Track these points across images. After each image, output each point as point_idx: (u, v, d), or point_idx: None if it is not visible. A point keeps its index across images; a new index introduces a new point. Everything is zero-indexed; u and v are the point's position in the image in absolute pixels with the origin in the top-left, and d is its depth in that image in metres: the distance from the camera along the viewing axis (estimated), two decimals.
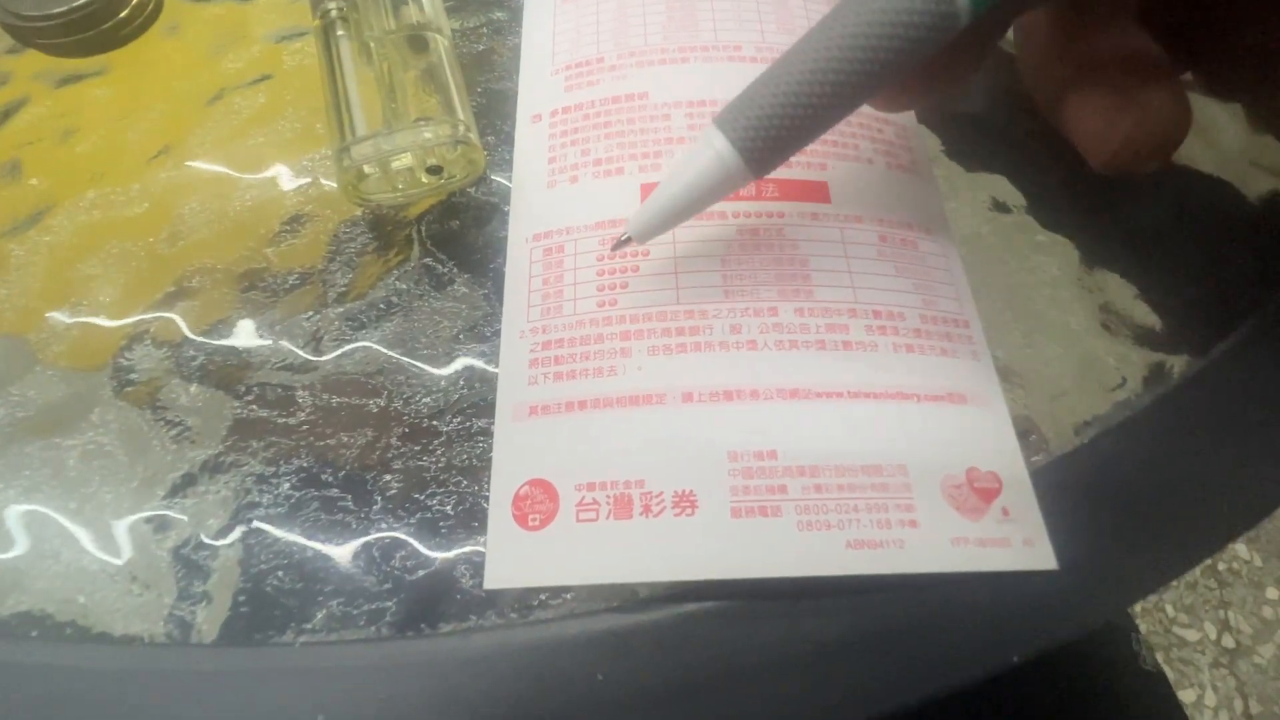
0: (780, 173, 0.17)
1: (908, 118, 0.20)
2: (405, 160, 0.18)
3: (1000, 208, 0.19)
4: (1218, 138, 0.20)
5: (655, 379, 0.15)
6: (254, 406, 0.16)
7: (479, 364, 0.16)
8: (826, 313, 0.16)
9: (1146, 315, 0.17)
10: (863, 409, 0.15)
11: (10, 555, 0.14)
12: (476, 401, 0.16)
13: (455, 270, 0.18)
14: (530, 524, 0.14)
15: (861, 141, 0.18)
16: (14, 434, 0.16)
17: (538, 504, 0.14)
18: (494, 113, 0.20)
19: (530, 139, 0.19)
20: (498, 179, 0.19)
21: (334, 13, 0.19)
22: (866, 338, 0.15)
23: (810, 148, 0.17)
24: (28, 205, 0.18)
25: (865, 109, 0.19)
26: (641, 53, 0.19)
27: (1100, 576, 0.14)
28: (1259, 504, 0.15)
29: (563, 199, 0.18)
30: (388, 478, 0.15)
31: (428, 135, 0.17)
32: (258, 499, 0.15)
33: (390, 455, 0.15)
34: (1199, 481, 0.15)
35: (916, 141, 0.19)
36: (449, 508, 0.15)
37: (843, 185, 0.17)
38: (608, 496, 0.14)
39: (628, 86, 0.19)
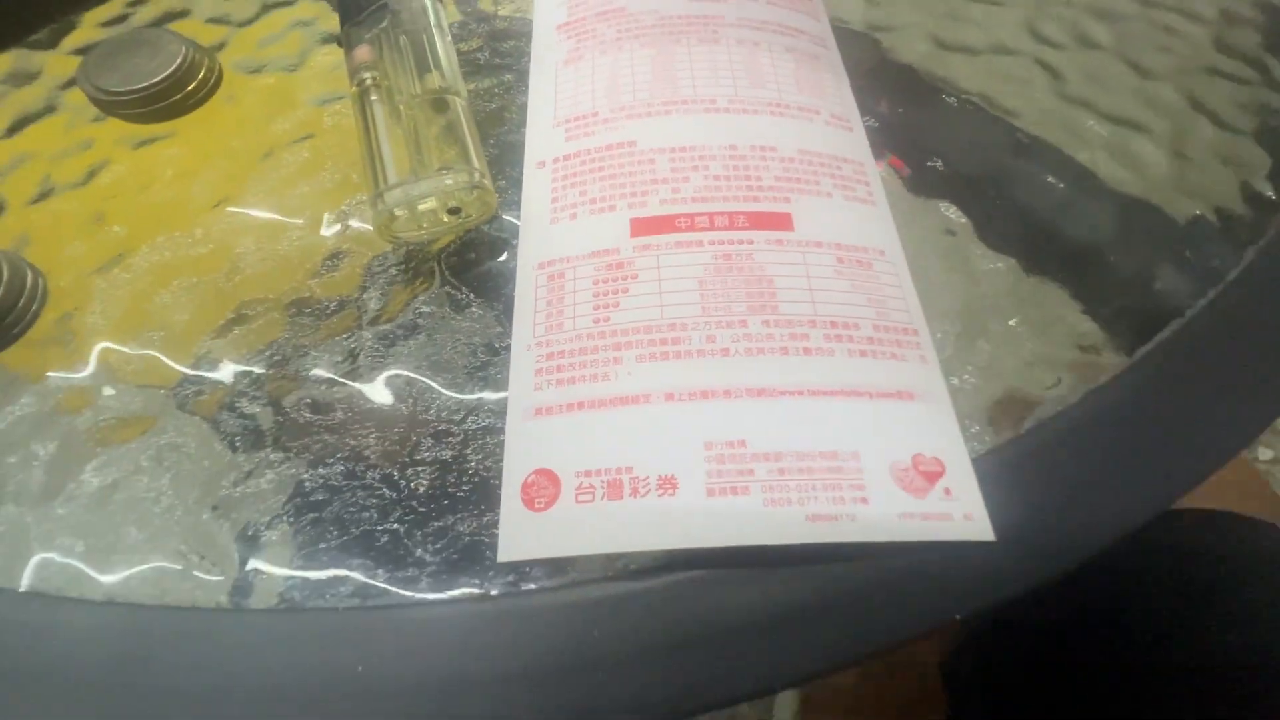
0: (749, 205, 0.19)
1: (865, 157, 0.21)
2: (430, 203, 0.19)
3: (949, 231, 0.21)
4: (1144, 166, 0.22)
5: (642, 382, 0.16)
6: (302, 413, 0.18)
7: (492, 374, 0.18)
8: (790, 324, 0.17)
9: (1080, 322, 0.19)
10: (821, 405, 0.16)
11: (101, 539, 0.16)
12: (490, 405, 0.18)
13: (471, 296, 0.20)
14: (536, 506, 0.15)
15: (822, 178, 0.20)
16: (101, 437, 0.17)
17: (543, 489, 0.15)
18: (505, 161, 0.22)
19: (536, 183, 0.21)
20: (508, 217, 0.21)
21: (368, 80, 0.21)
22: (825, 345, 0.17)
23: (776, 184, 0.19)
24: (111, 249, 0.20)
25: (828, 151, 0.20)
26: (630, 107, 0.22)
27: (1033, 545, 0.15)
28: (1170, 485, 0.16)
29: (564, 233, 0.19)
30: (416, 469, 0.17)
31: (449, 182, 0.19)
32: (306, 489, 0.17)
33: (417, 451, 0.17)
34: (1121, 464, 0.16)
35: (873, 177, 0.21)
36: (468, 493, 0.16)
37: (805, 215, 0.19)
38: (602, 481, 0.15)
39: (619, 136, 0.21)
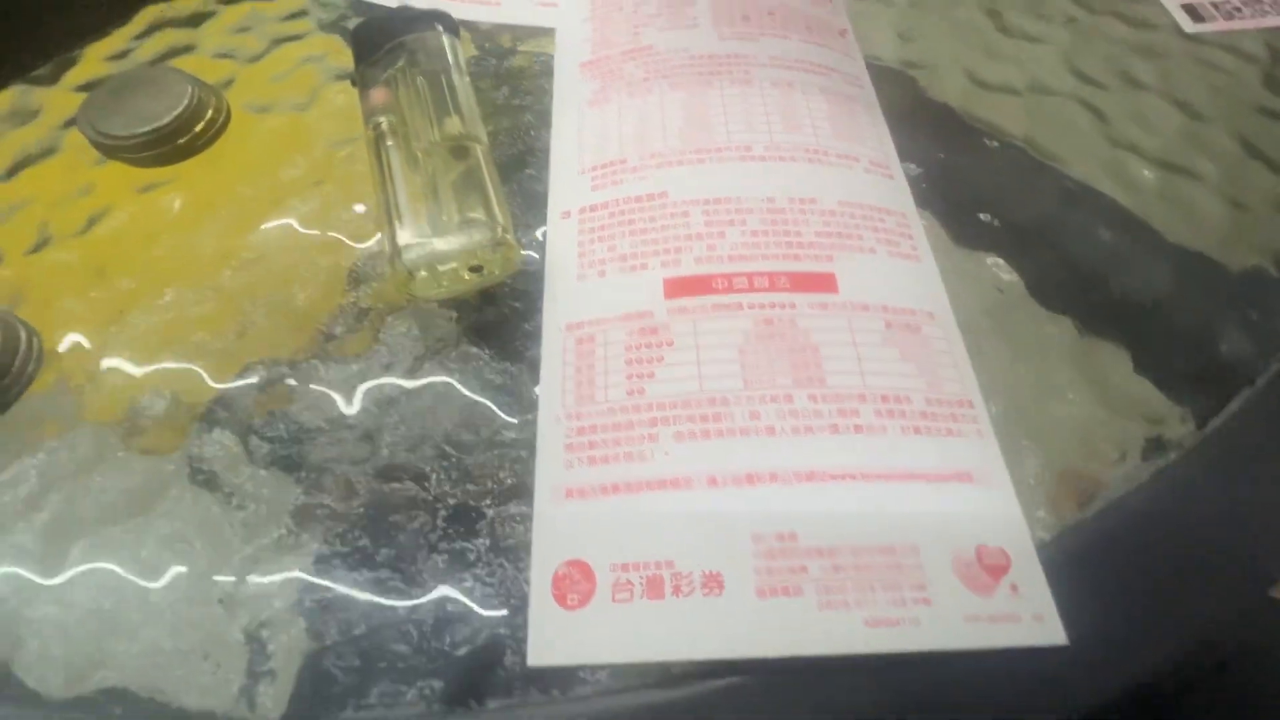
0: (790, 265, 0.17)
1: (908, 207, 0.20)
2: (451, 262, 0.18)
3: (998, 288, 0.19)
4: (1199, 215, 0.21)
5: (682, 464, 0.15)
6: (312, 491, 0.16)
7: (517, 449, 0.17)
8: (838, 398, 0.16)
9: (1142, 389, 0.18)
10: (875, 490, 0.15)
11: (96, 632, 0.15)
12: (515, 483, 0.16)
13: (492, 357, 0.18)
14: (569, 603, 0.14)
15: (865, 232, 0.19)
16: (100, 516, 0.16)
17: (576, 584, 0.14)
18: (526, 208, 0.21)
19: (561, 234, 0.20)
20: (530, 270, 0.19)
21: (384, 125, 0.20)
22: (876, 421, 0.16)
23: (817, 240, 0.18)
24: (112, 305, 0.19)
25: (870, 201, 0.19)
26: (661, 155, 0.20)
27: (1110, 650, 0.14)
28: (1260, 575, 0.15)
29: (592, 291, 0.18)
30: (435, 557, 0.15)
31: (471, 241, 0.18)
32: (315, 578, 0.15)
33: (436, 536, 0.16)
34: (1204, 551, 0.15)
35: (916, 230, 0.19)
36: (492, 586, 0.15)
37: (849, 275, 0.18)
38: (641, 577, 0.14)
39: (649, 186, 0.20)
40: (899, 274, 0.18)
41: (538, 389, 0.17)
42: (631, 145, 0.21)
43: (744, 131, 0.21)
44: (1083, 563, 0.15)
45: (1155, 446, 0.17)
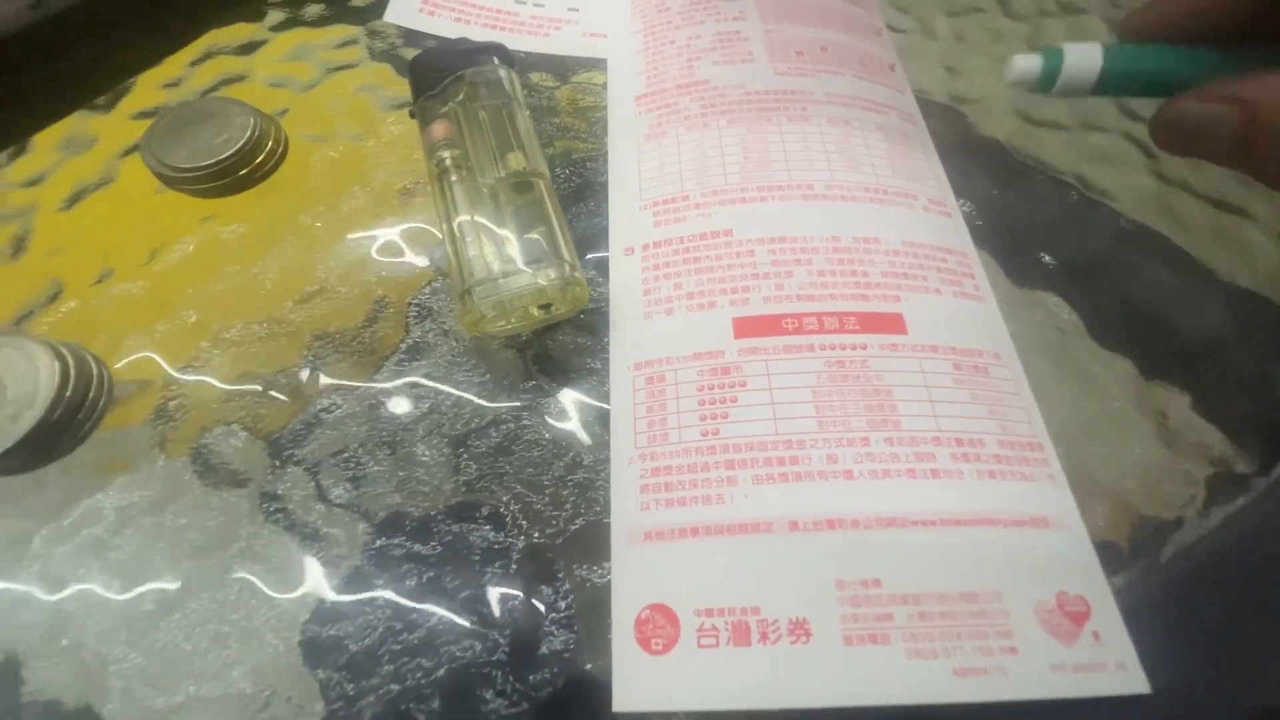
0: (859, 305, 0.17)
1: (967, 246, 0.20)
2: (521, 301, 0.18)
3: (1059, 329, 0.19)
4: (1253, 253, 0.21)
5: (762, 508, 0.15)
6: (386, 530, 0.16)
7: (591, 489, 0.17)
8: (914, 441, 0.16)
9: (1207, 432, 0.18)
10: (955, 536, 0.15)
11: (174, 667, 0.15)
12: (590, 524, 0.16)
13: (562, 396, 0.18)
14: (654, 648, 0.14)
15: (929, 272, 0.19)
16: (174, 553, 0.16)
17: (659, 629, 0.14)
18: (588, 243, 0.21)
19: (624, 270, 0.20)
20: (594, 306, 0.19)
21: (447, 160, 0.20)
22: (952, 465, 0.16)
23: (883, 280, 0.18)
24: (182, 338, 0.19)
25: (932, 241, 0.19)
26: (723, 191, 0.20)
27: (1193, 698, 0.14)
28: None
29: (660, 330, 0.18)
30: (514, 602, 0.15)
31: (540, 280, 0.18)
32: (392, 620, 0.15)
33: (515, 577, 0.16)
34: (1278, 597, 0.16)
35: (978, 269, 0.20)
36: (574, 629, 0.15)
37: (917, 316, 0.18)
38: (726, 623, 0.14)
39: (713, 224, 0.20)
40: (964, 314, 0.18)
41: (609, 427, 0.17)
42: (692, 181, 0.21)
43: (804, 169, 0.20)
44: (1159, 609, 0.15)
45: (1220, 488, 0.17)
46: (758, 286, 0.18)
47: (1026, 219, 0.22)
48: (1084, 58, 0.17)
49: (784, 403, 0.16)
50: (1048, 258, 0.21)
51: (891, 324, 0.18)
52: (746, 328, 0.18)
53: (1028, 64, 0.18)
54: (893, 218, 0.20)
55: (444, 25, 0.26)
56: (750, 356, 0.17)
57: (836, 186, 0.20)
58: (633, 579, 0.15)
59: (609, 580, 0.15)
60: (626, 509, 0.16)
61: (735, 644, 0.14)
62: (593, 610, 0.15)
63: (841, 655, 0.14)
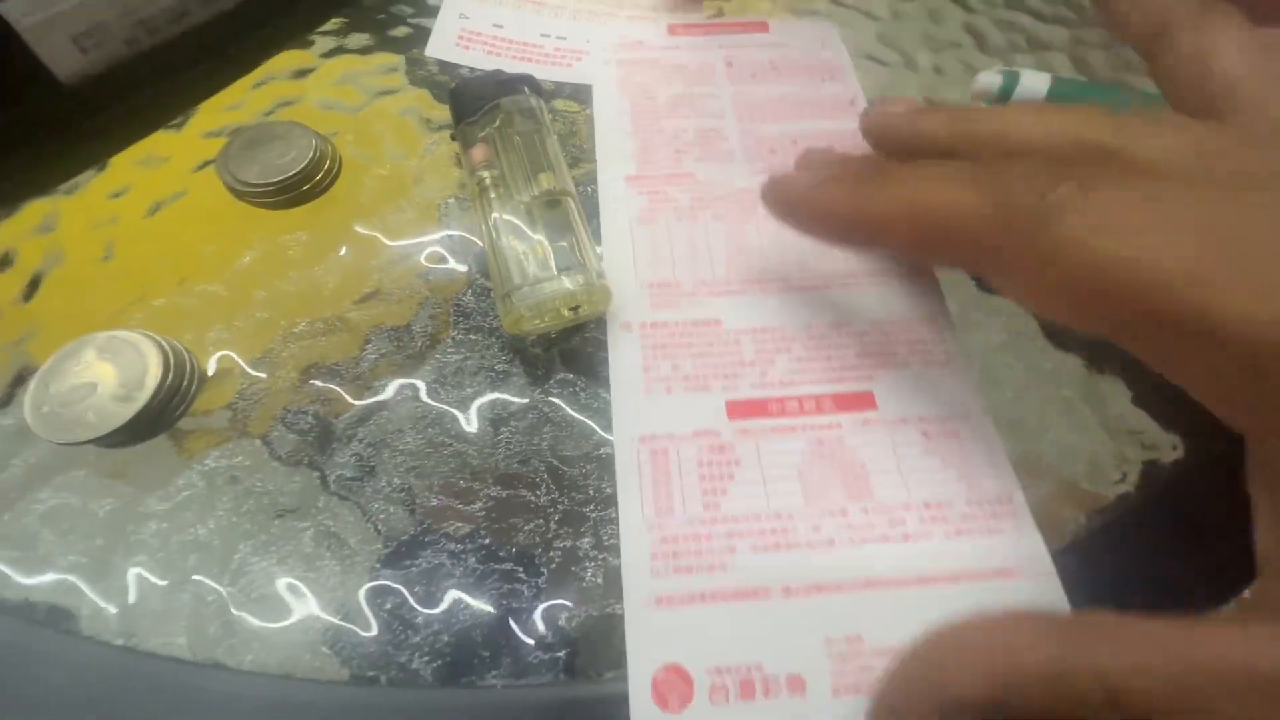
0: (834, 387, 0.18)
1: (939, 308, 0.20)
2: (555, 303, 0.19)
3: (1014, 333, 0.20)
4: None
5: (759, 574, 0.15)
6: (435, 506, 0.17)
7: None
8: (886, 510, 0.16)
9: (1142, 418, 0.19)
10: (928, 593, 0.15)
11: (275, 618, 0.16)
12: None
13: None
14: (670, 706, 0.14)
15: (899, 347, 0.18)
16: (259, 519, 0.18)
17: (674, 687, 0.14)
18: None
19: (624, 345, 0.19)
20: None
21: (487, 179, 0.20)
22: (921, 528, 0.16)
23: (856, 360, 0.18)
24: (257, 333, 0.20)
25: (902, 315, 0.19)
26: (711, 284, 0.20)
27: None
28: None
29: (660, 407, 0.18)
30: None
31: (570, 285, 0.19)
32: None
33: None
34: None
35: (949, 334, 0.19)
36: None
37: (887, 391, 0.18)
38: (734, 680, 0.14)
39: (704, 313, 0.19)
40: (933, 383, 0.18)
41: (614, 487, 0.17)
42: (684, 269, 0.20)
43: (780, 264, 0.20)
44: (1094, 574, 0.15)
45: (1150, 472, 0.18)
46: (745, 373, 0.18)
47: None
48: (1035, 83, 0.21)
49: (774, 479, 0.16)
50: None
51: (862, 402, 0.18)
52: (739, 410, 0.18)
53: (989, 80, 0.21)
54: (865, 300, 0.20)
55: (477, 57, 0.25)
56: (743, 437, 0.17)
57: (811, 277, 0.20)
58: (647, 641, 0.15)
59: (624, 642, 0.15)
60: (639, 575, 0.16)
61: (743, 699, 0.14)
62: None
63: (831, 706, 0.14)
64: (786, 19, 0.27)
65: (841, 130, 0.24)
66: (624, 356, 0.19)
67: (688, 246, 0.21)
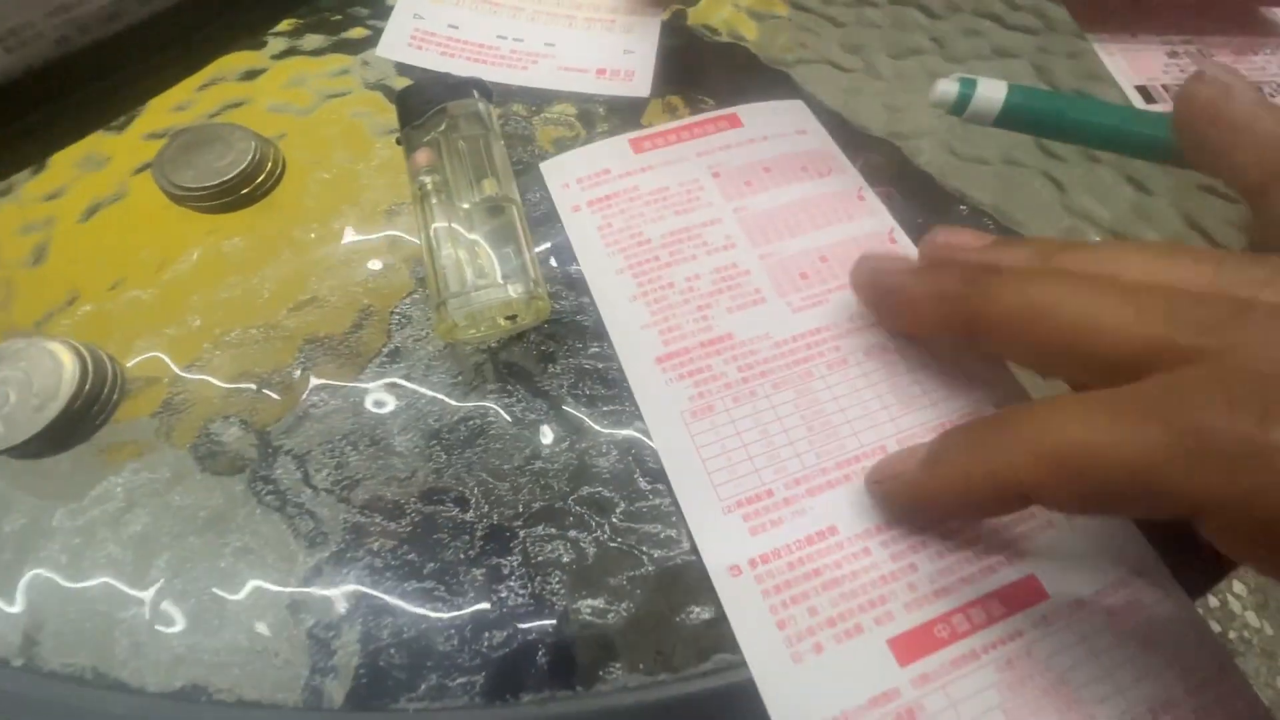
0: (991, 580, 0.15)
1: None
2: (490, 313, 0.18)
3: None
4: None
5: None
6: (364, 518, 0.16)
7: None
8: None
9: None
10: None
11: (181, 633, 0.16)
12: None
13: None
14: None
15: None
16: (179, 531, 0.17)
17: None
18: (562, 258, 0.21)
19: (743, 599, 0.15)
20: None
21: (429, 184, 0.20)
22: None
23: (997, 531, 0.15)
24: (187, 340, 0.20)
25: None
26: (805, 478, 0.16)
27: None
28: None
29: (820, 678, 0.14)
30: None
31: (509, 294, 0.18)
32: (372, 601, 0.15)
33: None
34: None
35: None
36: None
37: (1047, 565, 0.15)
38: None
39: (815, 522, 0.16)
40: (1088, 537, 0.15)
41: None
42: (768, 470, 0.16)
43: (869, 428, 0.17)
44: None
45: None
46: (893, 593, 0.15)
47: None
48: (992, 91, 0.20)
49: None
50: None
51: (1030, 592, 0.15)
52: (906, 649, 0.14)
53: (947, 88, 0.19)
54: None
55: (431, 59, 0.24)
56: (925, 687, 0.14)
57: (907, 439, 0.16)
58: None
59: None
60: None
61: None
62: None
63: None
64: (753, 103, 0.24)
65: (868, 233, 0.21)
66: (747, 615, 0.15)
67: (759, 435, 0.17)
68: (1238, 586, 0.66)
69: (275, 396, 0.19)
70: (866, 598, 0.15)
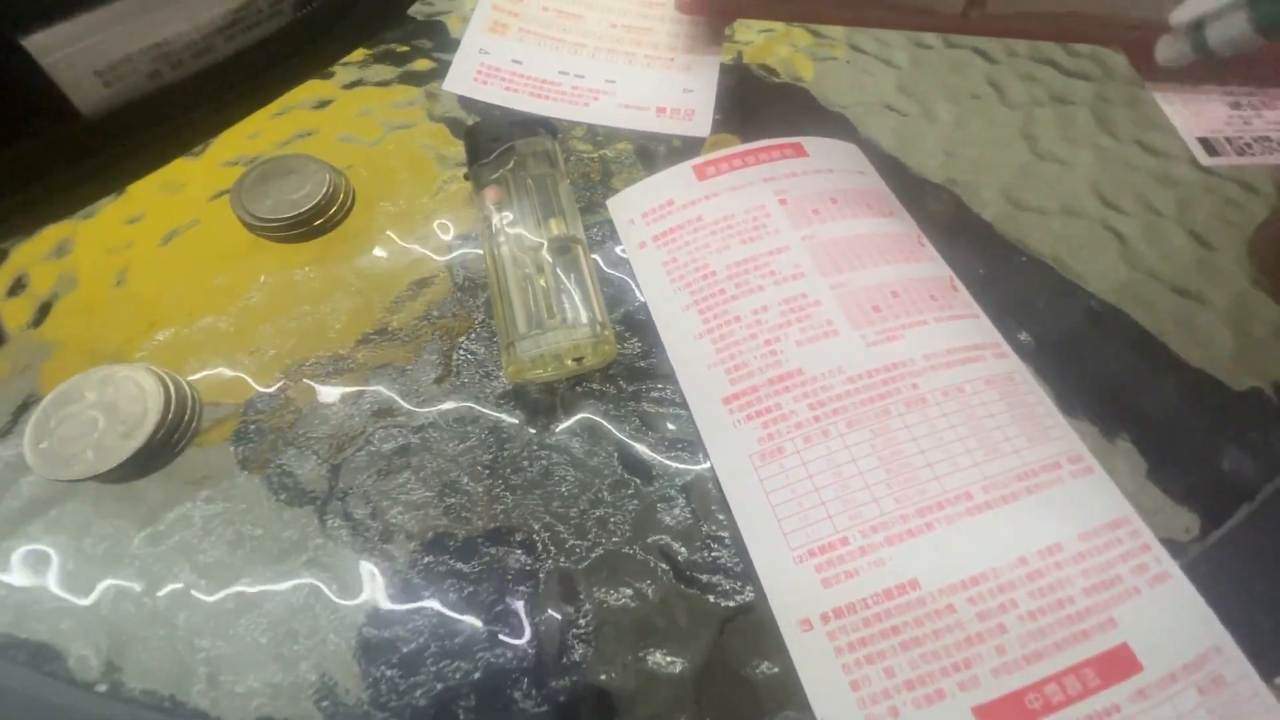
0: (1084, 648, 0.14)
1: (1120, 502, 0.16)
2: (556, 352, 0.18)
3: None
4: (1209, 341, 0.21)
5: None
6: (433, 555, 0.16)
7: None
8: None
9: (1155, 497, 0.18)
10: None
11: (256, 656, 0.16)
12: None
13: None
14: None
15: (1116, 563, 0.15)
16: (251, 557, 0.17)
17: None
18: (616, 301, 0.21)
19: (813, 654, 0.14)
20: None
21: (497, 223, 0.20)
22: None
23: (1086, 600, 0.15)
24: (264, 369, 0.20)
25: (1096, 519, 0.15)
26: (882, 525, 0.15)
27: None
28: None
29: None
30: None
31: (577, 336, 0.18)
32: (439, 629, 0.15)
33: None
34: None
35: (1146, 534, 0.16)
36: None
37: (1138, 634, 0.14)
38: None
39: (893, 575, 0.14)
40: (1169, 608, 0.14)
41: None
42: (843, 516, 0.15)
43: (951, 471, 0.16)
44: None
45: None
46: (979, 656, 0.14)
47: (1012, 297, 0.21)
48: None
49: None
50: (1024, 335, 0.20)
51: (1124, 663, 0.14)
52: (995, 719, 0.13)
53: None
54: (1053, 507, 0.15)
55: (495, 93, 0.25)
56: None
57: (992, 486, 0.15)
58: None
59: None
60: None
61: None
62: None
63: None
64: (816, 136, 0.23)
65: (932, 276, 0.20)
66: (818, 673, 0.14)
67: (833, 479, 0.16)
68: None
69: (343, 428, 0.19)
70: (950, 660, 0.14)
